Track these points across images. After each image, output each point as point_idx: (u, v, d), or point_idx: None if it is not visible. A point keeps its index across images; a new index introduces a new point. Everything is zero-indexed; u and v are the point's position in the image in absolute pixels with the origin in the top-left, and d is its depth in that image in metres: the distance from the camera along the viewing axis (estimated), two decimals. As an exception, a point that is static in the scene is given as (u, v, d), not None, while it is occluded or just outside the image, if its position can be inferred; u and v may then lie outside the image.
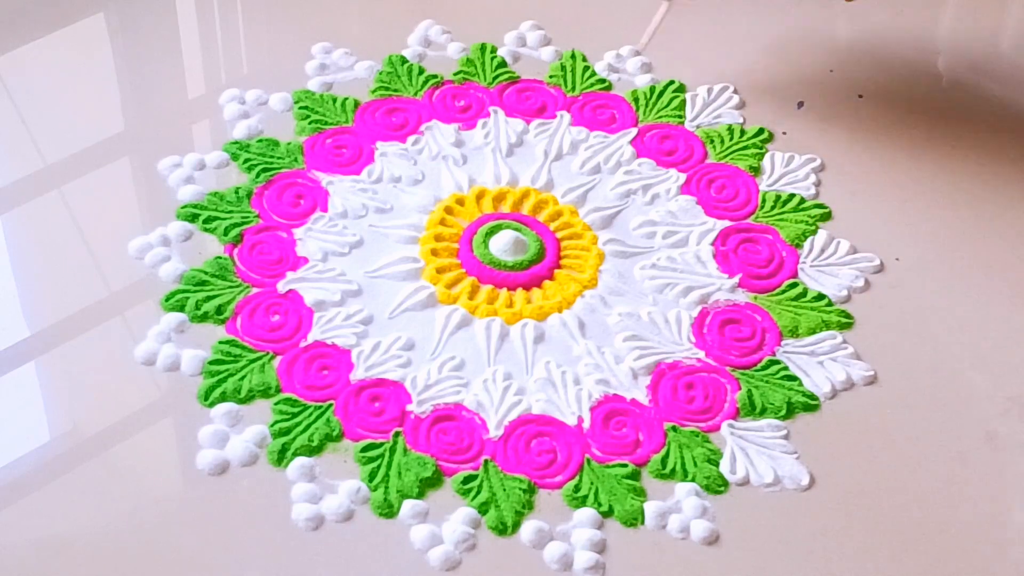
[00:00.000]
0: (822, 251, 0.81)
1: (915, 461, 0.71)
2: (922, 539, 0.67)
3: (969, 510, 0.69)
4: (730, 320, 0.77)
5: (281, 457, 0.69)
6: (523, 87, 0.89)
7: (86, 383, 0.73)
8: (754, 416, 0.72)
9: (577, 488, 0.69)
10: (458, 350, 0.74)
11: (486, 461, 0.69)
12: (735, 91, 0.90)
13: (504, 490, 0.68)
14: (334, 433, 0.70)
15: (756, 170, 0.85)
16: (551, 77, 0.90)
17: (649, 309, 0.77)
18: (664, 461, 0.70)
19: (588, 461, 0.70)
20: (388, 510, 0.67)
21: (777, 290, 0.78)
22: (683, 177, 0.84)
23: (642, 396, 0.73)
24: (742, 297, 0.78)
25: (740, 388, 0.73)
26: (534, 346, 0.75)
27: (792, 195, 0.83)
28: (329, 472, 0.69)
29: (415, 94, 0.88)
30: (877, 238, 0.81)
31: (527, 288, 0.78)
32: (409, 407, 0.72)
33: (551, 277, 0.78)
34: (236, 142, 0.84)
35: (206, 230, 0.79)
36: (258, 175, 0.82)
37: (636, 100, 0.89)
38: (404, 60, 0.90)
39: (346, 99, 0.87)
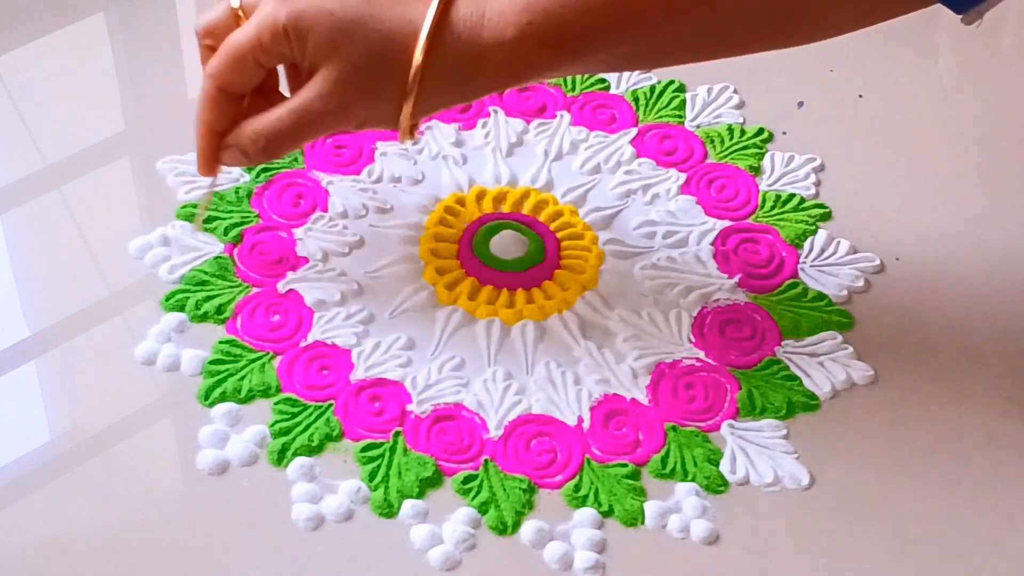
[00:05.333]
0: (822, 251, 0.81)
1: (915, 461, 0.71)
2: (922, 539, 0.67)
3: (969, 510, 0.69)
4: (730, 320, 0.77)
5: (281, 457, 0.69)
6: (522, 87, 0.89)
7: (86, 383, 0.73)
8: (754, 416, 0.72)
9: (577, 488, 0.69)
10: (458, 350, 0.75)
11: (486, 461, 0.69)
12: (735, 91, 0.90)
13: (504, 490, 0.68)
14: (334, 433, 0.70)
15: (756, 170, 0.85)
16: (551, 77, 0.90)
17: (649, 309, 0.77)
18: (664, 461, 0.70)
19: (588, 461, 0.70)
20: (388, 510, 0.67)
21: (777, 290, 0.79)
22: (683, 177, 0.84)
23: (642, 396, 0.73)
24: (742, 297, 0.78)
25: (740, 388, 0.73)
26: (534, 346, 0.75)
27: (792, 195, 0.83)
28: (329, 472, 0.69)
29: (415, 94, 0.88)
30: (877, 238, 0.81)
31: (527, 288, 0.78)
32: (409, 407, 0.72)
33: (551, 277, 0.78)
34: (236, 142, 0.84)
35: (206, 230, 0.79)
36: (258, 175, 0.82)
37: (636, 100, 0.89)
38: (404, 60, 0.90)
39: (346, 99, 0.87)
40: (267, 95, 0.68)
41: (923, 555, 0.67)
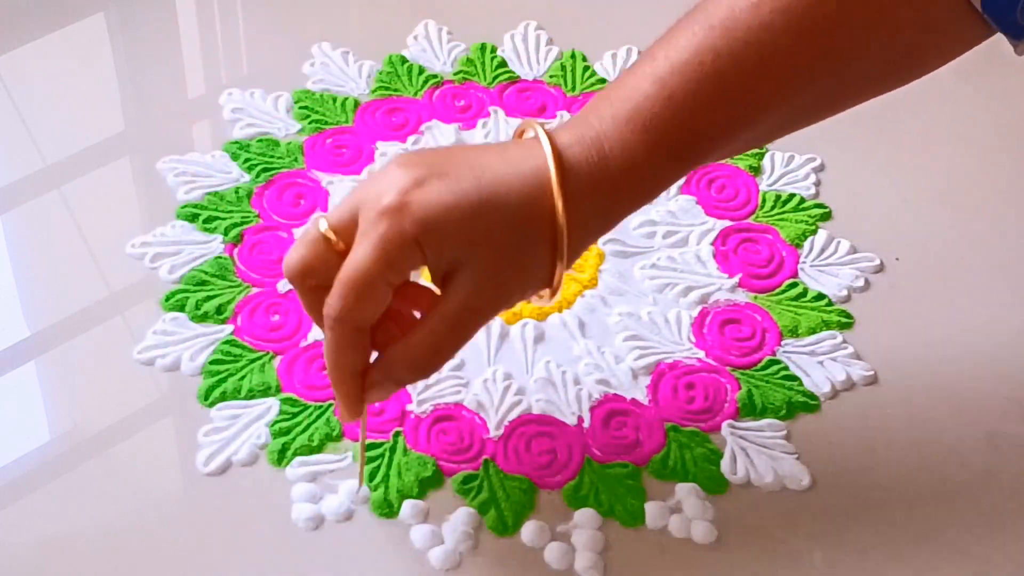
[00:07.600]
0: (822, 251, 0.81)
1: (915, 461, 0.71)
2: (922, 539, 0.67)
3: (969, 510, 0.69)
4: (730, 320, 0.77)
5: (281, 457, 0.69)
6: (523, 87, 0.89)
7: (86, 383, 0.73)
8: (754, 416, 0.72)
9: (577, 488, 0.69)
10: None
11: (486, 461, 0.69)
12: (735, 91, 0.89)
13: (504, 490, 0.68)
14: (334, 433, 0.70)
15: (756, 170, 0.85)
16: (551, 77, 0.90)
17: (649, 309, 0.77)
18: (664, 461, 0.70)
19: (588, 461, 0.70)
20: (388, 510, 0.67)
21: (777, 290, 0.78)
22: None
23: (642, 396, 0.73)
24: (742, 297, 0.78)
25: (740, 388, 0.73)
26: (534, 346, 0.75)
27: (792, 195, 0.83)
28: (329, 472, 0.69)
29: (415, 94, 0.88)
30: (877, 238, 0.81)
31: (527, 288, 0.78)
32: (409, 407, 0.72)
33: (551, 277, 0.78)
34: (236, 142, 0.84)
35: (206, 230, 0.79)
36: (258, 175, 0.82)
37: (636, 100, 0.88)
38: (404, 60, 0.90)
39: (346, 99, 0.87)
40: None
41: (923, 555, 0.67)
